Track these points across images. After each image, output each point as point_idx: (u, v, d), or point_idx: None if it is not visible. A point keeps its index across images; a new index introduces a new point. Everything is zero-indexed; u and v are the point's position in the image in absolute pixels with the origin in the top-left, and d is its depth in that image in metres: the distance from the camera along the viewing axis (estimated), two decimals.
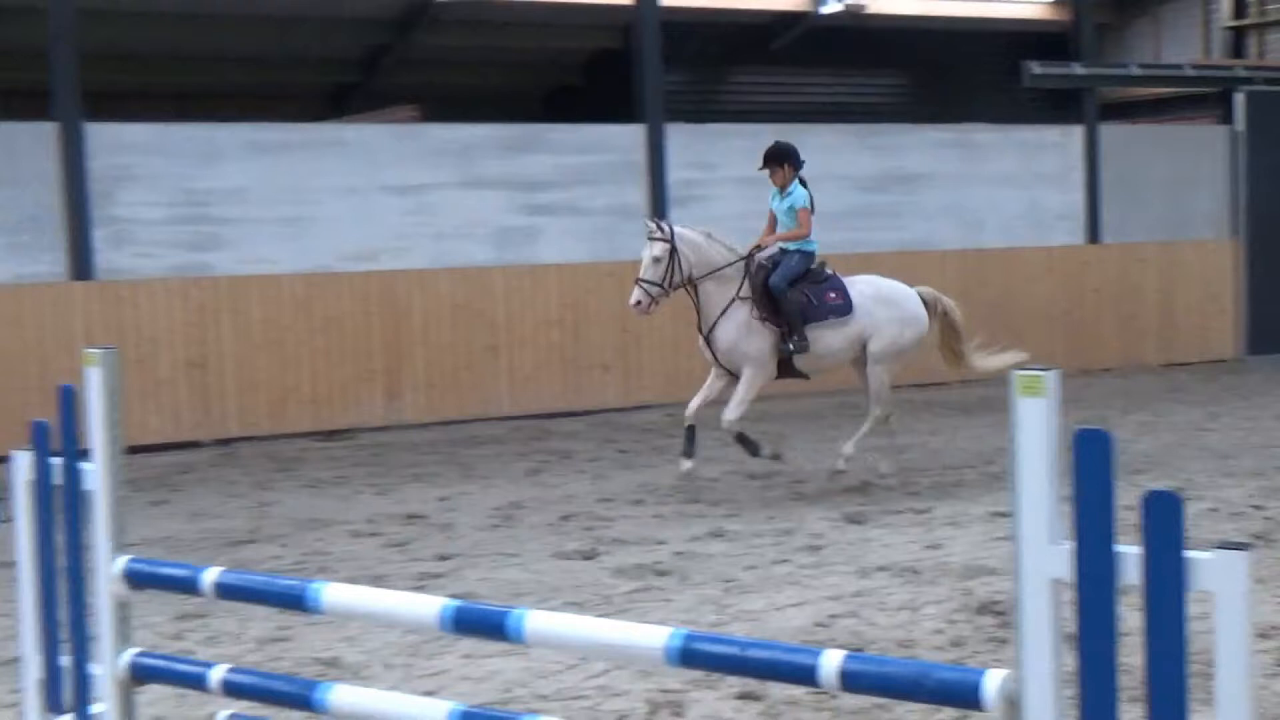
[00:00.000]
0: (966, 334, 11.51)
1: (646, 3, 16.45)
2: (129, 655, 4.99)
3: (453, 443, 13.88)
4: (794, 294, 10.66)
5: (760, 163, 11.03)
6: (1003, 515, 9.20)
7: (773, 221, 11.08)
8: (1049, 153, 18.48)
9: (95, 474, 4.93)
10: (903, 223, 17.70)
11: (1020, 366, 3.18)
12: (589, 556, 8.61)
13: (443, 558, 8.77)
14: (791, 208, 10.85)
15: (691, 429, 10.55)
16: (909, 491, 10.55)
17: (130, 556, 4.97)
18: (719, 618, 7.00)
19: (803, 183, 10.95)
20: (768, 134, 17.06)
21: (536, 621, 4.01)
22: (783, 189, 10.92)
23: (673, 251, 10.52)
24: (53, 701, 5.33)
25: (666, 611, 7.12)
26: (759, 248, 10.92)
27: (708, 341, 10.71)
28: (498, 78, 20.67)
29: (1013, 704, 3.23)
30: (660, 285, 10.53)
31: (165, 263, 14.15)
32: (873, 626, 6.73)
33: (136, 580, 4.96)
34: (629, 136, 16.23)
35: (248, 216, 14.41)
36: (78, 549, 5.10)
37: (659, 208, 15.73)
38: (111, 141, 13.91)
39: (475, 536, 9.47)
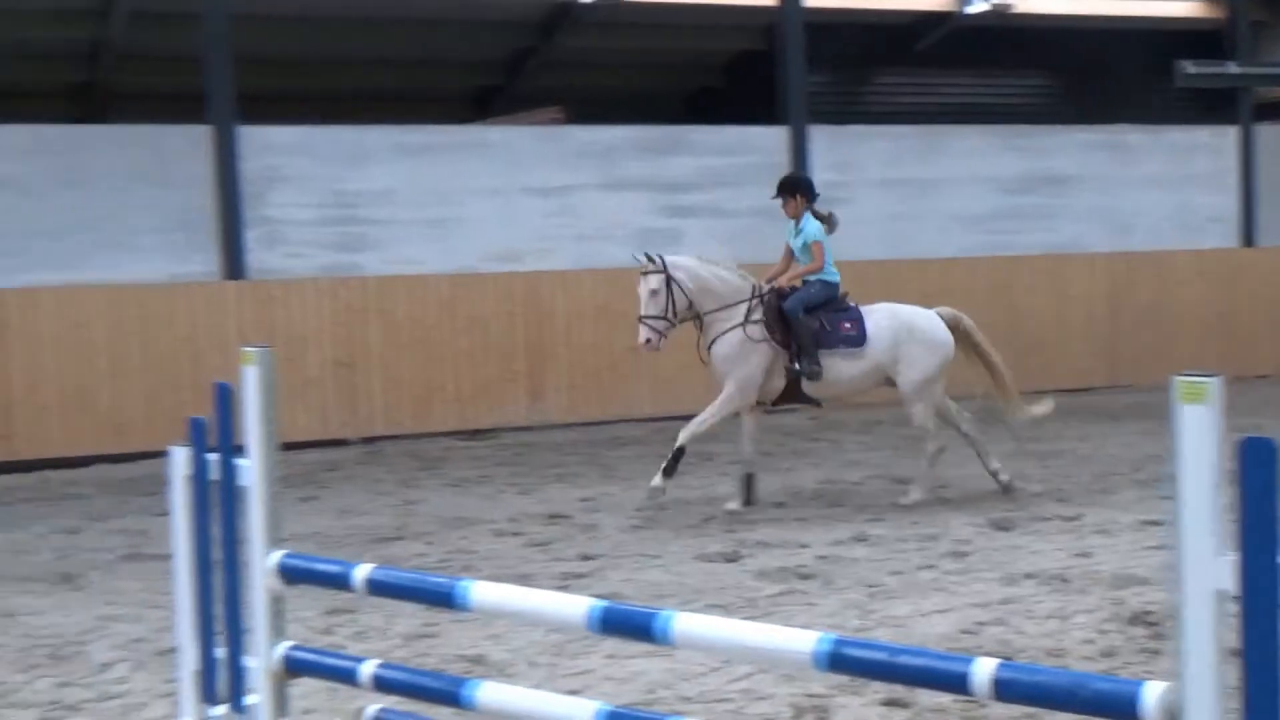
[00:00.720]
0: (992, 351, 11.00)
1: (790, 3, 16.39)
2: (282, 648, 5.07)
3: (594, 443, 13.94)
4: (809, 319, 10.44)
5: (775, 192, 10.84)
6: (1154, 524, 9.01)
7: (788, 254, 10.87)
8: (1201, 154, 18.10)
9: (251, 470, 5.02)
10: (1049, 225, 17.45)
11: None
12: (731, 559, 8.59)
13: (585, 558, 8.80)
14: (805, 244, 10.62)
15: (747, 476, 10.54)
16: (1057, 498, 10.38)
17: (284, 552, 5.05)
18: (863, 623, 6.94)
19: (815, 215, 10.69)
20: (911, 136, 17.00)
21: (684, 623, 4.00)
22: (796, 220, 10.70)
23: (669, 281, 10.35)
24: (208, 692, 5.43)
25: (810, 615, 7.07)
26: (769, 281, 10.65)
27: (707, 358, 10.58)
28: (640, 79, 20.71)
29: (1173, 717, 3.16)
30: (665, 319, 10.35)
31: (314, 263, 14.40)
32: (1021, 635, 6.62)
33: (290, 575, 5.04)
34: (771, 138, 16.19)
35: (395, 217, 14.61)
36: (233, 543, 5.19)
37: None
38: (263, 144, 14.19)
39: (617, 537, 9.50)
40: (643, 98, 20.66)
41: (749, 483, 10.54)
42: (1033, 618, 6.94)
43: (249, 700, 5.29)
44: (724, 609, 7.22)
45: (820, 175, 16.01)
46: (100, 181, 13.85)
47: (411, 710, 5.22)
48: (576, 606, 4.26)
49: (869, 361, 10.55)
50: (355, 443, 14.12)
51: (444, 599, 4.56)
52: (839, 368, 10.51)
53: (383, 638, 7.01)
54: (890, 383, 10.68)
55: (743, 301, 10.49)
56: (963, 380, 10.93)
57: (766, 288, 10.57)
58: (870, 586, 7.72)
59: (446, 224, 14.78)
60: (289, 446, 13.19)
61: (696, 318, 10.49)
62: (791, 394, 10.63)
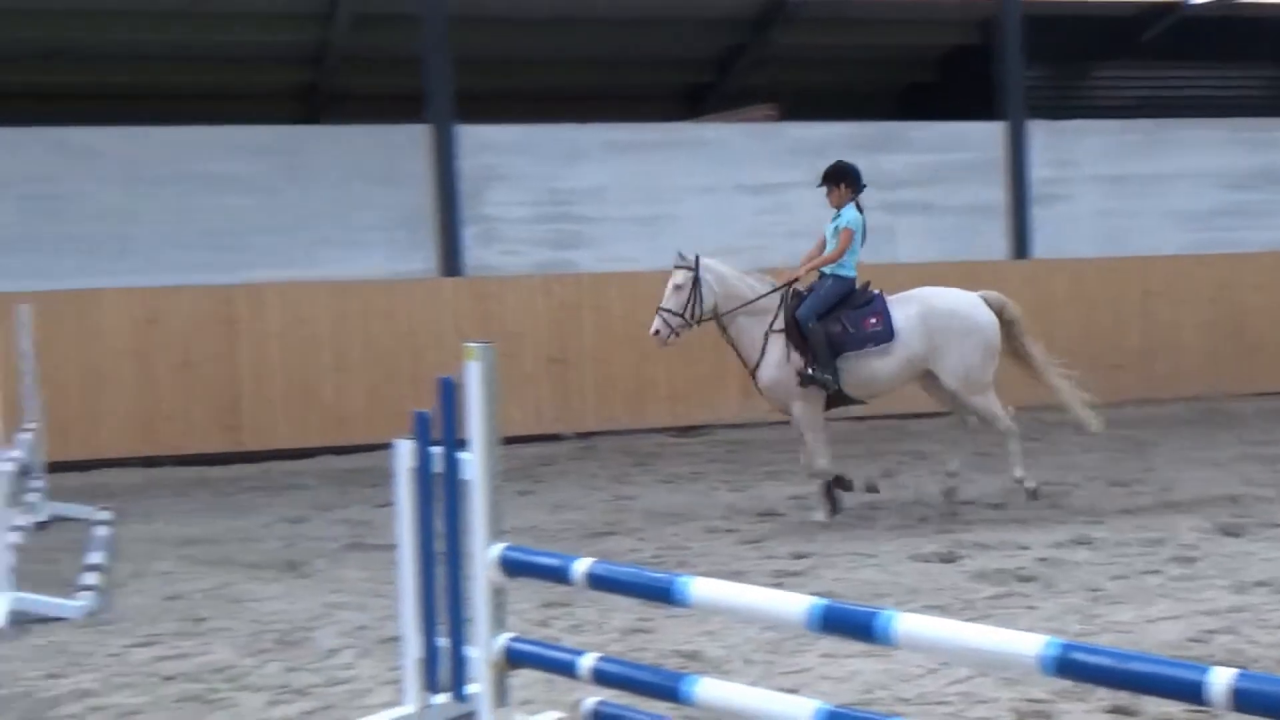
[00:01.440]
0: (1034, 341, 10.53)
1: None
2: (503, 640, 5.15)
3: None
4: (826, 324, 10.03)
5: (820, 180, 10.43)
6: None
7: (822, 244, 10.43)
8: None
9: (473, 463, 5.10)
10: (1277, 222, 16.86)
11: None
12: (948, 560, 8.47)
13: (798, 556, 8.76)
14: (836, 229, 10.24)
15: (831, 484, 10.16)
16: None
17: (505, 545, 5.12)
18: (1085, 628, 6.78)
19: (859, 207, 10.31)
20: (1133, 130, 16.57)
21: (906, 624, 3.95)
22: (838, 209, 10.31)
23: (696, 281, 10.12)
24: (430, 680, 5.53)
25: (1030, 619, 6.93)
26: (795, 279, 10.33)
27: (755, 380, 10.28)
28: (852, 75, 20.55)
29: None
30: (680, 315, 10.12)
31: (530, 260, 14.59)
32: (1253, 644, 6.40)
33: (511, 568, 5.11)
34: (988, 134, 15.94)
35: (608, 215, 14.73)
36: (456, 535, 5.28)
37: (1019, 206, 15.41)
38: (480, 143, 14.44)
39: (830, 536, 9.44)
40: (855, 94, 20.51)
41: (836, 488, 10.16)
42: (1265, 627, 6.70)
43: (470, 690, 5.38)
44: (941, 610, 7.12)
45: (1038, 171, 15.74)
46: (324, 180, 14.22)
47: (628, 704, 5.26)
48: (796, 604, 4.24)
49: (902, 355, 10.13)
50: (569, 438, 14.28)
51: (662, 594, 4.58)
52: (870, 367, 10.12)
53: (598, 631, 7.07)
54: (932, 375, 10.26)
55: (767, 298, 10.19)
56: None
57: (804, 269, 10.29)
58: (1092, 591, 7.54)
59: (659, 221, 14.86)
60: (505, 441, 13.42)
61: (717, 318, 10.21)
62: (833, 398, 10.25)
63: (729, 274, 10.27)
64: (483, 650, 5.15)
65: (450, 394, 5.16)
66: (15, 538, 8.31)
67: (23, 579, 7.98)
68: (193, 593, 8.27)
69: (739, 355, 10.32)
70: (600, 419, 14.54)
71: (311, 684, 6.34)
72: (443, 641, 5.44)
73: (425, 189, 14.31)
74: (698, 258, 10.22)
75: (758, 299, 10.17)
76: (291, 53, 17.42)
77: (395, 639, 6.82)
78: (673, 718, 5.07)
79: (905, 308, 10.20)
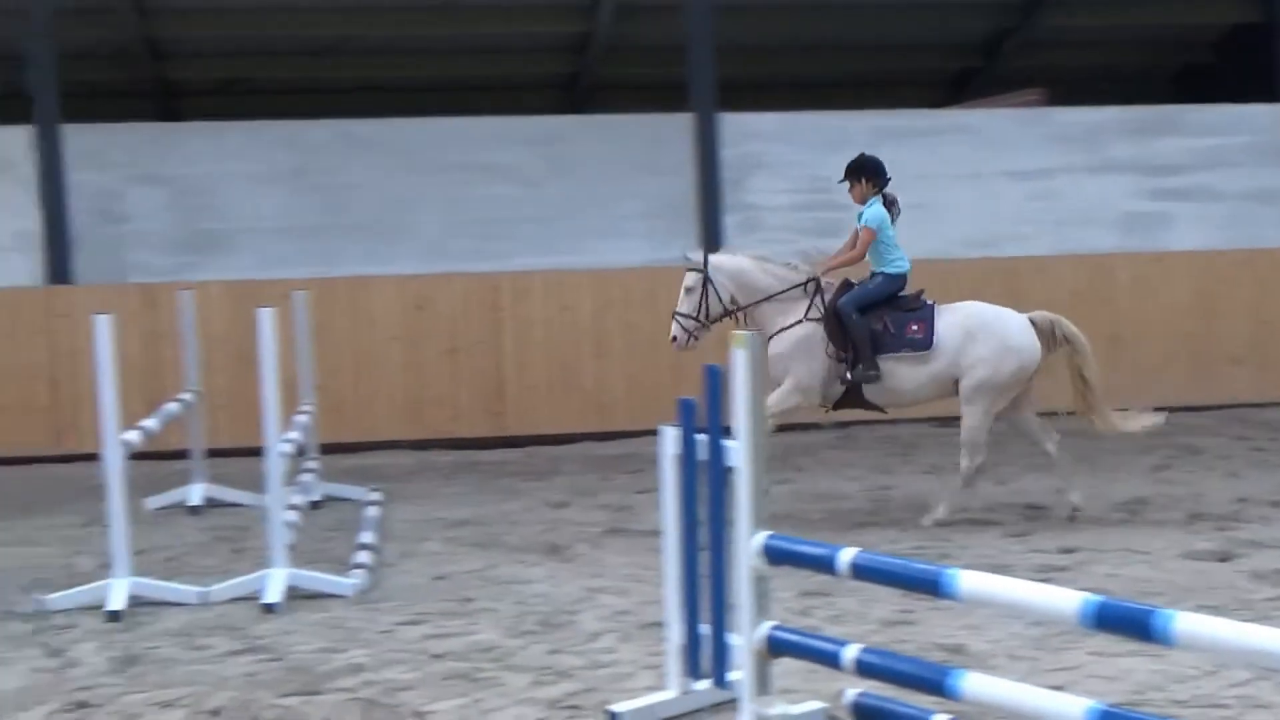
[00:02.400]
0: (1094, 367, 9.93)
1: None
2: (766, 628, 5.14)
3: (1071, 433, 13.50)
4: (867, 320, 9.71)
5: (842, 175, 10.17)
6: None
7: (853, 239, 10.09)
8: None
9: (739, 452, 5.10)
10: None
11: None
12: (1223, 558, 8.18)
13: (1066, 550, 8.56)
14: (858, 229, 9.96)
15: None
16: None
17: (769, 533, 5.11)
18: None
19: (886, 201, 10.00)
20: None
21: (1185, 623, 3.82)
22: (861, 205, 10.02)
23: (706, 282, 9.93)
24: (691, 667, 5.56)
25: None
26: (819, 276, 10.02)
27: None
28: (1122, 58, 19.93)
29: None
30: (694, 318, 9.96)
31: (790, 248, 14.52)
32: None
33: (774, 556, 5.10)
34: (1269, 117, 15.31)
35: None
36: (720, 523, 5.29)
37: None
38: (743, 131, 14.45)
39: (1098, 531, 9.20)
40: (1124, 77, 19.90)
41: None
42: None
43: (731, 677, 5.39)
44: (1216, 610, 6.86)
45: None
46: (587, 170, 14.40)
47: (890, 696, 5.20)
48: (1069, 600, 4.14)
49: (937, 366, 9.73)
50: (828, 427, 14.17)
51: (930, 586, 4.51)
52: (902, 374, 9.76)
53: (859, 622, 7.01)
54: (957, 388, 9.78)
55: (796, 289, 9.94)
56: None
57: (823, 279, 9.98)
58: None
59: (923, 208, 14.62)
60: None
61: (736, 312, 10.00)
62: (853, 399, 9.95)
63: (747, 267, 10.08)
64: (745, 638, 5.16)
65: (716, 382, 5.16)
66: (292, 517, 8.61)
67: (298, 557, 8.28)
68: (459, 573, 8.46)
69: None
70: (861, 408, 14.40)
71: (574, 666, 6.43)
72: (705, 628, 5.46)
73: (687, 177, 14.38)
74: (706, 257, 10.08)
75: (785, 290, 9.96)
76: (555, 43, 17.68)
77: (656, 624, 6.88)
78: (938, 712, 4.99)
79: (949, 318, 9.83)
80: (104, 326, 7.75)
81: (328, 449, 12.18)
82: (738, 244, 14.38)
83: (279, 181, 14.09)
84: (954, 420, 14.15)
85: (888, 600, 7.25)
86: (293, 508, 8.83)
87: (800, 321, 9.89)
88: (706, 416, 5.25)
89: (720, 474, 5.24)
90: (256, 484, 10.74)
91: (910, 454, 12.72)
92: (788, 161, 14.53)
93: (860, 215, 10.05)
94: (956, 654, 6.37)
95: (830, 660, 4.99)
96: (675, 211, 14.38)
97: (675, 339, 10.06)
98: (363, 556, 8.50)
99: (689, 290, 10.02)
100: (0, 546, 9.67)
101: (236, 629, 7.29)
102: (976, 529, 9.40)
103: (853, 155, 14.32)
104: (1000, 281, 14.51)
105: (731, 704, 5.49)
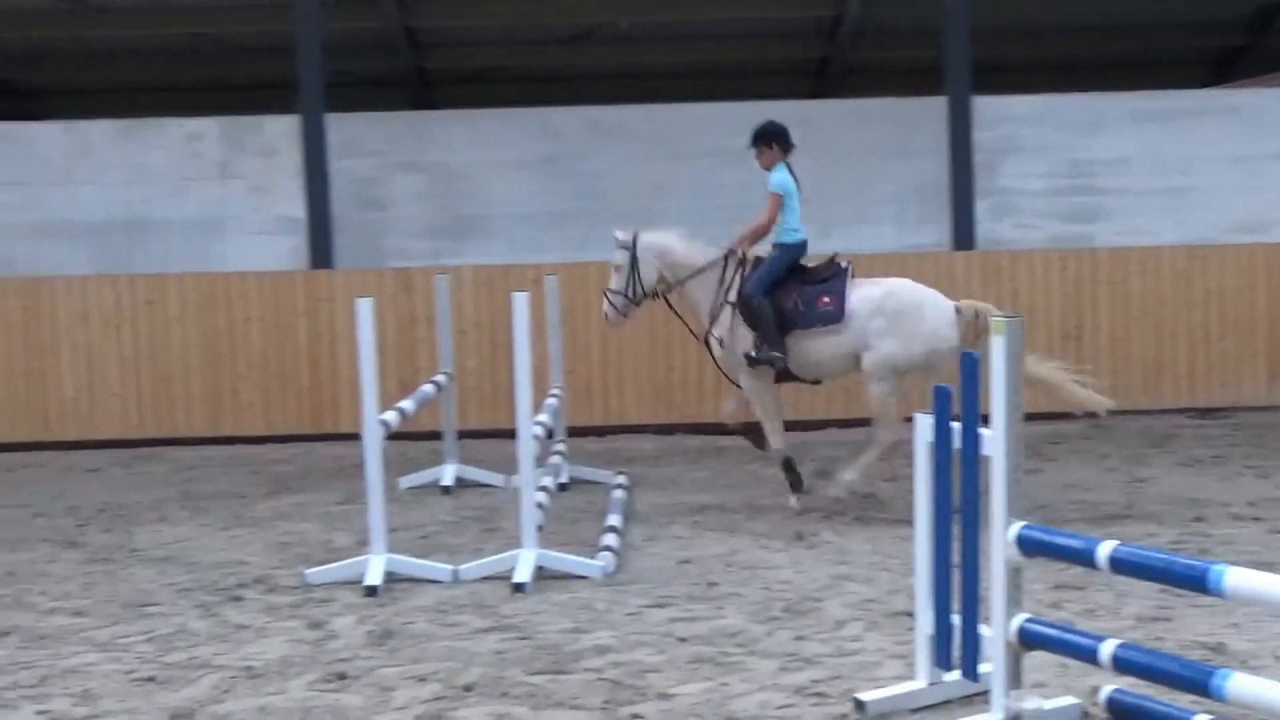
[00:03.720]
0: (1034, 363, 9.78)
1: None
2: (1019, 620, 5.03)
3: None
4: (778, 299, 9.80)
5: (750, 141, 10.23)
6: None
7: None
8: None
9: (995, 440, 4.99)
10: None
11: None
12: None
13: None
14: (768, 193, 10.00)
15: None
16: None
17: (1024, 523, 4.99)
18: None
19: (790, 169, 10.08)
20: None
21: None
22: (768, 171, 10.07)
23: (634, 260, 10.17)
24: (941, 657, 5.48)
25: None
26: (733, 250, 10.13)
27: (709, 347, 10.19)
28: None
29: None
30: (623, 295, 10.22)
31: (1044, 234, 14.22)
32: None
33: (1029, 547, 4.99)
34: None
35: (1129, 187, 14.18)
36: (974, 512, 5.19)
37: None
38: (997, 114, 14.16)
39: None
40: None
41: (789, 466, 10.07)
42: None
43: (983, 669, 5.29)
44: None
45: None
46: (836, 154, 14.26)
47: (1148, 694, 5.05)
48: None
49: (849, 339, 9.78)
50: (1081, 416, 13.81)
51: (1196, 583, 4.36)
52: (816, 347, 9.84)
53: (1114, 617, 6.83)
54: None
55: (715, 266, 10.10)
56: None
57: (738, 251, 10.09)
58: None
59: (1184, 193, 14.17)
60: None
61: (666, 290, 10.26)
62: (781, 373, 10.01)
63: (674, 245, 10.25)
64: (999, 630, 5.05)
65: (973, 369, 5.06)
66: (541, 498, 8.74)
67: (546, 538, 8.40)
68: (705, 557, 8.48)
69: (688, 326, 10.48)
70: (1114, 398, 13.98)
71: (820, 653, 6.40)
72: (955, 618, 5.37)
73: (939, 162, 14.14)
74: (635, 236, 10.23)
75: (705, 268, 10.11)
76: (806, 27, 17.55)
77: (904, 613, 6.82)
78: (1199, 712, 4.82)
79: (865, 291, 9.87)
80: (365, 310, 7.96)
81: (575, 432, 12.34)
82: (989, 230, 14.16)
83: (531, 168, 14.29)
84: (1214, 411, 13.74)
85: (1143, 595, 7.06)
86: (542, 489, 8.95)
87: (723, 305, 10.07)
88: (962, 404, 5.15)
89: (975, 462, 5.14)
90: (506, 465, 10.96)
91: (1166, 445, 12.32)
92: (1043, 145, 14.19)
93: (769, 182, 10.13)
94: (1217, 653, 6.15)
95: (1087, 655, 4.86)
96: (926, 197, 14.17)
97: (607, 315, 10.37)
98: (609, 539, 8.58)
99: (617, 268, 10.29)
100: (263, 521, 10.03)
101: (487, 607, 7.43)
102: (1239, 524, 9.06)
103: (1111, 138, 13.96)
104: (1265, 268, 14.00)
105: (982, 697, 5.39)
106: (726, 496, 10.47)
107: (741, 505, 10.14)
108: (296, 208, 14.08)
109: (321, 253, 14.03)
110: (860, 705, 5.49)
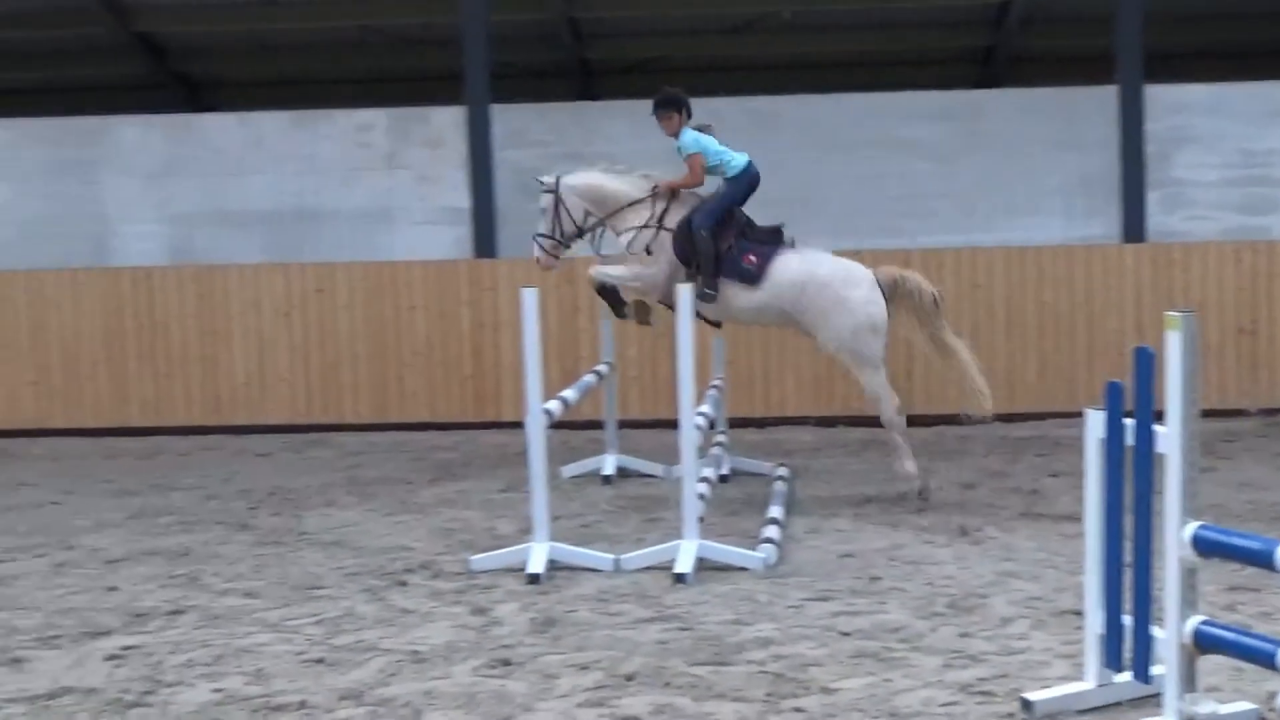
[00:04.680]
0: (941, 319, 10.13)
1: None
2: (1194, 622, 4.92)
3: None
4: (715, 241, 10.07)
5: (653, 110, 10.40)
6: None
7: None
8: None
9: (1169, 438, 4.88)
10: None
11: None
12: None
13: None
14: (684, 157, 10.24)
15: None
16: None
17: (1199, 523, 4.88)
18: None
19: (700, 129, 10.31)
20: None
21: None
22: (676, 138, 10.27)
23: (558, 202, 10.40)
24: (1111, 658, 5.38)
25: None
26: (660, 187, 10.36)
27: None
28: None
29: None
30: (551, 237, 10.44)
31: (1218, 226, 13.90)
32: None
33: (1205, 548, 4.87)
34: None
35: None
36: (1147, 511, 5.08)
37: None
38: (1170, 103, 13.88)
39: None
40: None
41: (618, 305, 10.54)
42: None
43: (1155, 671, 5.18)
44: None
45: None
46: (1003, 145, 14.08)
47: None
48: None
49: (762, 300, 10.06)
50: (1255, 414, 13.48)
51: None
52: (730, 296, 10.12)
53: None
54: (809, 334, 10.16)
55: (644, 200, 10.31)
56: None
57: (664, 186, 10.31)
58: None
59: None
60: None
61: (595, 226, 10.48)
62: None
63: (598, 180, 10.46)
64: (1172, 632, 4.94)
65: (1148, 365, 4.95)
66: (703, 489, 8.74)
67: (707, 529, 8.40)
68: (867, 551, 8.42)
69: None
70: None
71: (985, 651, 6.31)
72: (1126, 619, 5.27)
73: (1109, 153, 13.88)
74: (558, 179, 10.46)
75: (638, 200, 10.32)
76: (973, 15, 17.31)
77: (1071, 612, 6.70)
78: None
79: (786, 259, 10.13)
80: (531, 299, 8.02)
81: (735, 423, 12.32)
82: (1160, 222, 13.86)
83: None
84: None
85: None
86: (703, 480, 8.95)
87: (648, 225, 10.26)
88: (1134, 400, 5.05)
89: (1148, 460, 5.03)
90: (666, 456, 11.01)
91: None
92: (1218, 135, 13.86)
93: (679, 147, 10.30)
94: None
95: (1266, 660, 4.73)
96: (1095, 188, 13.91)
97: (538, 259, 10.57)
98: (771, 531, 8.55)
99: (544, 211, 10.51)
100: (427, 507, 10.17)
101: (648, 597, 7.45)
102: None
103: None
104: None
105: (1153, 699, 5.28)
106: (888, 489, 10.37)
107: (904, 498, 10.03)
108: (461, 198, 14.27)
109: (486, 242, 14.20)
110: (1027, 705, 5.40)
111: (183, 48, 18.13)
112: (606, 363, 11.23)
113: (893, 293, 10.08)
